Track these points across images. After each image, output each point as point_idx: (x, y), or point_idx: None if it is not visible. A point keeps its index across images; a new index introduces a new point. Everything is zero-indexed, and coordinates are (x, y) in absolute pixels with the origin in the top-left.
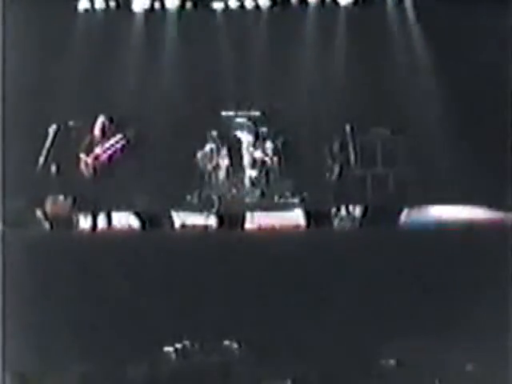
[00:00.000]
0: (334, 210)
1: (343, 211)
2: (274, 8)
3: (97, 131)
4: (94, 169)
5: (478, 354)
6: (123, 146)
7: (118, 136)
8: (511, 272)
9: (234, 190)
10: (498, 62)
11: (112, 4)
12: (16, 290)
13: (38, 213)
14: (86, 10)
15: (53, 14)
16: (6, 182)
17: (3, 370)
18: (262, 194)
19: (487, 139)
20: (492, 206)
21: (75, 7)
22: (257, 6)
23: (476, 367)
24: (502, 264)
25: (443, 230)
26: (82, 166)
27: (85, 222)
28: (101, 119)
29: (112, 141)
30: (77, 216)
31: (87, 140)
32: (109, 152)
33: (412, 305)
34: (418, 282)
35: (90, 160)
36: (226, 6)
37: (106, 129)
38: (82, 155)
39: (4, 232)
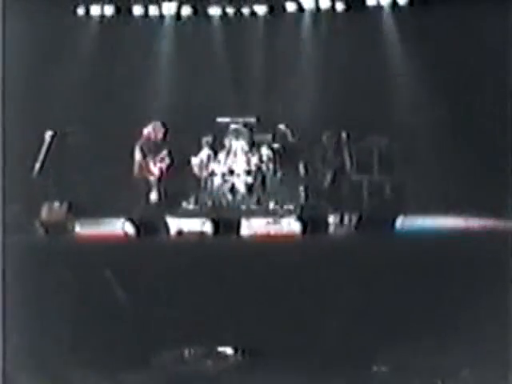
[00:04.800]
0: (329, 216)
1: (339, 218)
2: (270, 14)
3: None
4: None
5: (474, 360)
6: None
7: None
8: (510, 279)
9: (230, 197)
10: (498, 66)
11: (110, 10)
12: (14, 296)
13: (34, 219)
14: (85, 15)
15: (51, 19)
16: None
17: (3, 372)
18: (258, 200)
19: (486, 147)
20: (490, 215)
21: (74, 12)
22: (253, 13)
23: (473, 373)
24: (500, 271)
25: (439, 237)
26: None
27: (80, 228)
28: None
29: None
30: (72, 222)
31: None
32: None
33: (408, 312)
34: (413, 289)
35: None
36: (223, 12)
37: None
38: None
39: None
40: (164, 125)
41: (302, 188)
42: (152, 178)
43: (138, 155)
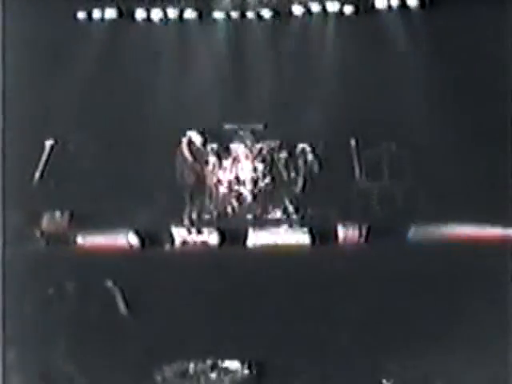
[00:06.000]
0: (338, 226)
1: (348, 227)
2: (277, 18)
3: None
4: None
5: (483, 376)
6: None
7: None
8: None
9: (236, 206)
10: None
11: (113, 14)
12: (14, 309)
13: (35, 229)
14: (86, 20)
15: (52, 25)
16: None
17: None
18: (265, 209)
19: (498, 153)
20: (500, 223)
21: (75, 17)
22: (259, 16)
23: None
24: (508, 281)
25: (454, 247)
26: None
27: (82, 239)
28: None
29: None
30: (74, 232)
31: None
32: None
33: (420, 324)
34: (426, 301)
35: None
36: (228, 16)
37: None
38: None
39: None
40: (202, 134)
41: (309, 196)
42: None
43: (190, 161)
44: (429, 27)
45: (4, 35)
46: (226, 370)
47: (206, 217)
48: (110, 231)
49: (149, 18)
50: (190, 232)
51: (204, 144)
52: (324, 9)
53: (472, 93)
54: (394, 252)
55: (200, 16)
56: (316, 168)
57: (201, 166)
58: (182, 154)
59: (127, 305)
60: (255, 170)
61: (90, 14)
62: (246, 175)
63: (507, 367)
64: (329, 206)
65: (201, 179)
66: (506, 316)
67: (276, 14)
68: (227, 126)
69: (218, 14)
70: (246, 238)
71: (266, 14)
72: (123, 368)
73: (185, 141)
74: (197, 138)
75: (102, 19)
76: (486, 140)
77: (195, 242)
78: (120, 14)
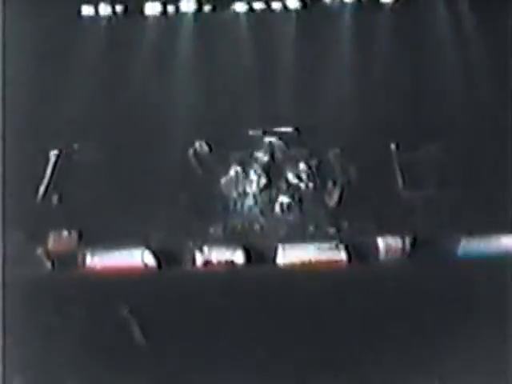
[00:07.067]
0: (378, 240)
1: (390, 242)
2: (305, 9)
3: None
4: None
5: None
6: None
7: None
8: None
9: (264, 220)
10: None
11: (119, 10)
12: (16, 337)
13: (39, 250)
14: (91, 17)
15: (55, 24)
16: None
17: None
18: (295, 223)
19: None
20: None
21: (79, 15)
22: (285, 7)
23: None
24: None
25: (506, 261)
26: None
27: (92, 260)
28: None
29: None
30: (83, 253)
31: None
32: None
33: (468, 345)
34: (477, 323)
35: None
36: (250, 7)
37: None
38: None
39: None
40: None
41: (345, 208)
42: None
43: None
44: (480, 19)
45: (4, 37)
46: None
47: (230, 233)
48: (123, 251)
49: (160, 13)
50: (212, 250)
51: (224, 152)
52: None
53: None
54: (441, 268)
55: (214, 8)
56: (352, 176)
57: (222, 176)
58: (199, 163)
59: (143, 332)
60: (284, 180)
61: (94, 11)
62: (275, 186)
63: None
64: (367, 218)
65: (223, 191)
66: None
67: (305, 4)
68: (252, 132)
69: (240, 6)
70: (275, 255)
71: (294, 4)
72: None
73: (202, 148)
74: (213, 147)
75: (108, 15)
76: None
77: (219, 261)
78: (126, 9)
